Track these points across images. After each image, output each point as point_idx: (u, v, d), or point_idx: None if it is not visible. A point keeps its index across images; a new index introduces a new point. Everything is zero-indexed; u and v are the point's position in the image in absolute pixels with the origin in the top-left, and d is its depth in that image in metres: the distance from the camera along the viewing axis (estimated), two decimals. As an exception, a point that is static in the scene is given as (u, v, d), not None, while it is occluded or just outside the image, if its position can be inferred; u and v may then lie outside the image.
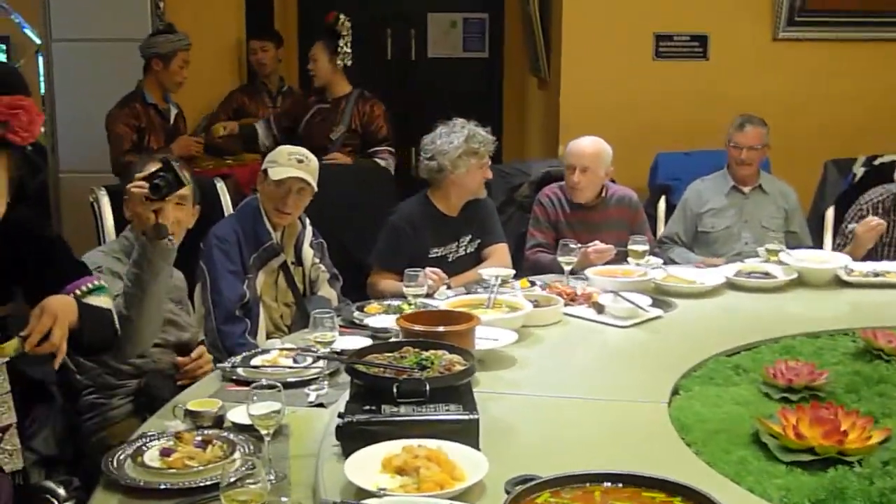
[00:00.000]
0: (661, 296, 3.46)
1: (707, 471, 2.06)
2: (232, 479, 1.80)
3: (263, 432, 2.12)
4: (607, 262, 3.84)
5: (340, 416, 2.09)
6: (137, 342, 2.70)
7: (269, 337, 3.43)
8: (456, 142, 3.90)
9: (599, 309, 3.25)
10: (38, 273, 2.47)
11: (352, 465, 1.93)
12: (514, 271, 3.70)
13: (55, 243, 2.66)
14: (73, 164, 5.44)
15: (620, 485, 1.69)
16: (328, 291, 3.64)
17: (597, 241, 3.89)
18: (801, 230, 4.56)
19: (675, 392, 2.56)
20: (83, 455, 2.79)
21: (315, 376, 2.66)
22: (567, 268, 3.63)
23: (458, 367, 2.23)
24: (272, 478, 2.06)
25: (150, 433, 2.30)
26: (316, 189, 3.47)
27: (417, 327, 2.59)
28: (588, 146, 4.15)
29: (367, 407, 2.09)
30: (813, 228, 4.71)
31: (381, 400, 2.10)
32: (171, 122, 4.96)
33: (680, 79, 5.45)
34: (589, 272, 3.64)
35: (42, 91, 5.64)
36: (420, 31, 7.23)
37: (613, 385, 2.66)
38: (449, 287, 3.65)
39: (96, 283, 2.54)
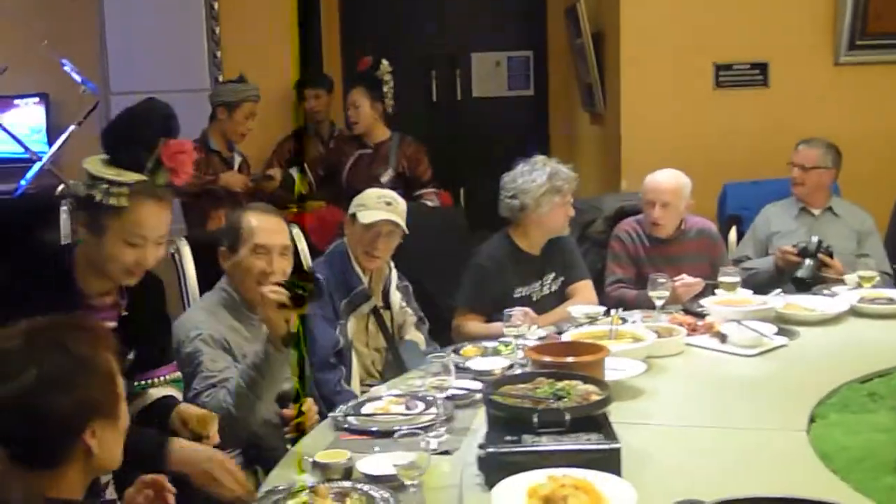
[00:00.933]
0: (783, 324, 3.40)
1: (858, 498, 2.02)
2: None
3: (407, 482, 2.06)
4: (695, 297, 3.78)
5: (481, 446, 2.10)
6: (240, 433, 2.67)
7: (362, 383, 3.37)
8: (539, 180, 3.85)
9: (722, 338, 3.21)
10: (142, 344, 2.44)
11: (498, 495, 1.93)
12: (603, 308, 3.63)
13: (166, 322, 2.66)
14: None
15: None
16: (416, 335, 3.59)
17: (684, 275, 3.82)
18: (876, 254, 4.46)
19: (811, 420, 2.50)
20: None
21: (430, 423, 2.59)
22: (658, 303, 3.56)
23: (595, 397, 2.23)
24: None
25: (279, 487, 2.23)
26: (406, 231, 3.42)
27: (548, 358, 2.57)
28: (667, 181, 4.10)
29: (508, 438, 2.10)
30: (891, 255, 4.62)
31: (522, 430, 2.11)
32: (236, 169, 4.93)
33: (742, 107, 5.39)
34: (707, 302, 3.59)
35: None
36: (464, 72, 7.22)
37: (746, 414, 2.63)
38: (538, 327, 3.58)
39: (176, 375, 2.56)
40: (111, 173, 2.30)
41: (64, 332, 1.73)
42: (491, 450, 2.07)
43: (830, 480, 2.12)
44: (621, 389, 2.73)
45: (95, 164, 2.33)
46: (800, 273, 4.04)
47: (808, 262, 4.05)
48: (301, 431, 2.78)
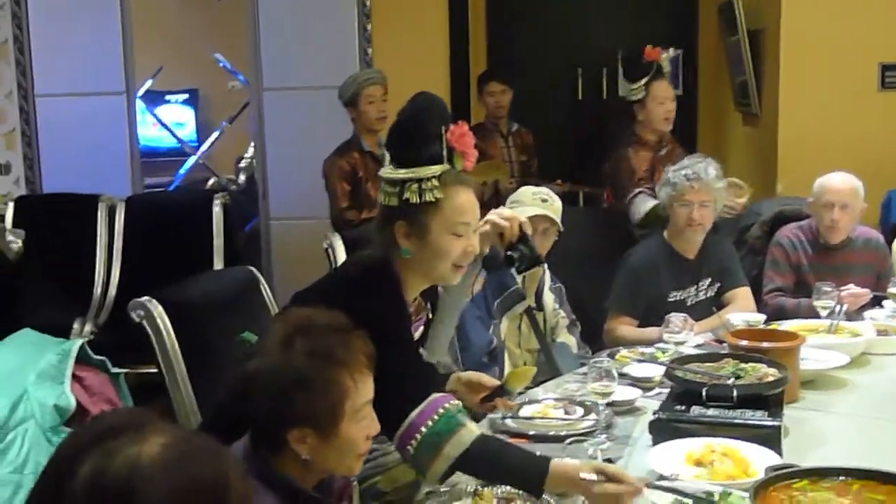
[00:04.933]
0: None
1: None
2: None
3: (575, 491, 1.99)
4: (860, 309, 3.60)
5: (655, 412, 2.37)
6: None
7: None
8: (670, 174, 3.76)
9: None
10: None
11: (655, 454, 2.20)
12: (763, 316, 3.50)
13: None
14: (283, 210, 5.51)
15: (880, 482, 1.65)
16: (568, 338, 3.53)
17: (851, 285, 3.64)
18: None
19: None
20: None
21: (591, 429, 2.52)
22: (823, 312, 3.41)
23: (770, 379, 2.41)
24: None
25: (441, 489, 2.20)
26: (561, 229, 3.36)
27: (743, 342, 2.73)
28: (845, 182, 3.91)
29: (679, 407, 2.36)
30: None
31: (693, 401, 2.36)
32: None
33: (909, 111, 5.12)
34: None
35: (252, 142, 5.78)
36: (611, 70, 7.09)
37: None
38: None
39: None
40: (412, 173, 2.28)
41: (302, 335, 1.75)
42: (661, 415, 2.34)
43: None
44: (824, 380, 2.88)
45: (388, 172, 2.31)
46: None
47: None
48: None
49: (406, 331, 2.31)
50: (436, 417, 2.13)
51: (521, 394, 2.51)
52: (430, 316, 2.48)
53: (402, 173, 2.25)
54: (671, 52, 4.96)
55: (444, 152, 2.26)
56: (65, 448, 1.18)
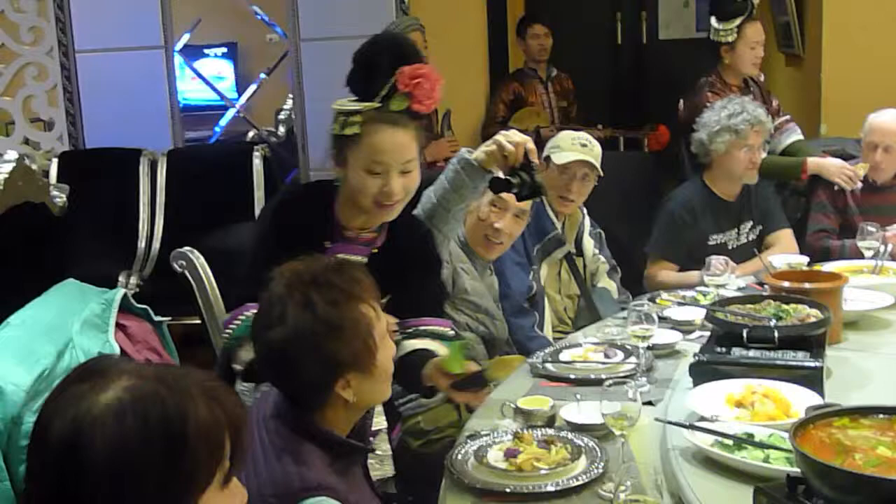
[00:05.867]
0: None
1: None
2: (625, 492, 1.70)
3: (617, 432, 2.00)
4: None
5: (695, 354, 2.35)
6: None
7: (554, 330, 3.33)
8: (719, 115, 3.69)
9: None
10: (397, 288, 2.32)
11: (695, 396, 2.18)
12: (806, 258, 3.46)
13: (430, 269, 2.54)
14: (322, 161, 5.51)
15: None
16: (608, 283, 3.52)
17: (896, 225, 3.59)
18: None
19: None
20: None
21: (632, 372, 2.52)
22: (868, 253, 3.35)
23: (812, 320, 2.37)
24: (629, 482, 1.93)
25: (483, 432, 2.22)
26: (601, 174, 3.33)
27: (785, 283, 2.69)
28: (893, 122, 3.83)
29: (719, 349, 2.33)
30: None
31: (733, 343, 2.33)
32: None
33: (958, 49, 4.98)
34: None
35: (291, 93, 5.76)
36: (651, 13, 6.98)
37: None
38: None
39: (442, 329, 2.44)
40: (339, 106, 2.33)
41: (312, 289, 1.74)
42: (701, 357, 2.31)
43: None
44: (868, 321, 2.84)
45: (342, 101, 2.35)
46: None
47: None
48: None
49: (261, 247, 2.36)
50: (237, 323, 2.29)
51: (496, 386, 2.50)
52: (376, 250, 2.45)
53: (341, 104, 2.32)
54: None
55: (385, 90, 2.28)
56: (48, 398, 1.21)
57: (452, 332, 2.46)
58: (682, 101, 4.47)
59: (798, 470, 1.50)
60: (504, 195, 2.66)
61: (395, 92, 2.30)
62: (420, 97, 2.31)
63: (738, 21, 4.29)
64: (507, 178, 2.44)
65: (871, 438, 1.52)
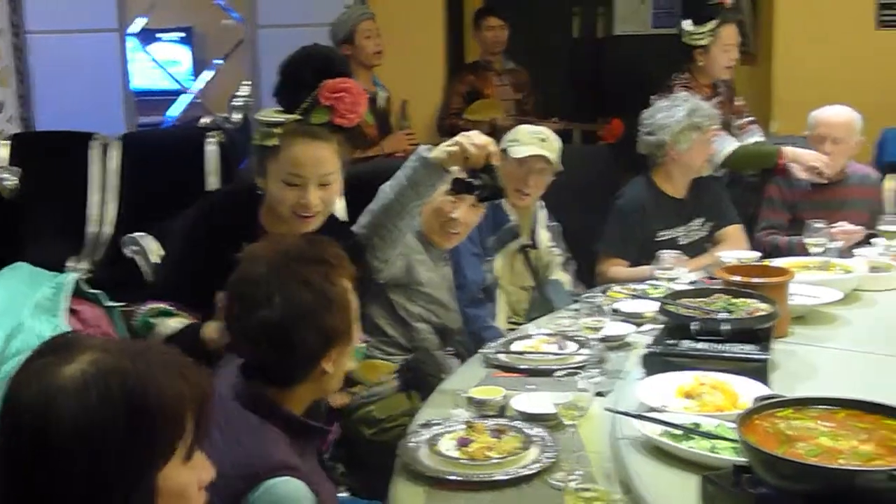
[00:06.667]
0: None
1: None
2: (574, 481, 1.72)
3: (567, 422, 2.02)
4: (853, 246, 3.62)
5: (647, 346, 2.42)
6: (382, 255, 2.68)
7: (507, 321, 3.35)
8: (677, 115, 3.72)
9: None
10: None
11: (645, 387, 2.22)
12: (757, 254, 3.51)
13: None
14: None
15: (864, 411, 1.66)
16: (562, 275, 3.55)
17: (843, 222, 3.66)
18: None
19: None
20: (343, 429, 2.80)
21: (583, 364, 2.55)
22: (815, 250, 3.42)
23: (760, 313, 2.42)
24: (580, 471, 1.96)
25: (435, 421, 2.24)
26: (559, 168, 3.36)
27: (735, 277, 2.74)
28: (839, 115, 3.92)
29: (670, 341, 2.39)
30: None
31: (684, 335, 2.38)
32: (382, 107, 4.90)
33: (906, 49, 5.09)
34: None
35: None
36: (608, 8, 7.03)
37: None
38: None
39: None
40: (263, 116, 2.35)
41: (303, 265, 1.77)
42: (652, 349, 2.38)
43: None
44: (815, 315, 2.90)
45: (267, 111, 2.37)
46: None
47: None
48: None
49: (179, 250, 2.44)
50: (139, 315, 2.34)
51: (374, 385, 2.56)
52: None
53: (266, 115, 2.36)
54: None
55: (307, 103, 2.30)
56: (16, 372, 1.23)
57: None
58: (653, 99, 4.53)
59: (743, 459, 1.54)
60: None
61: (316, 105, 2.33)
62: (342, 111, 2.33)
63: (712, 24, 4.27)
64: (469, 179, 2.46)
65: (814, 428, 1.56)
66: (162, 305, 2.37)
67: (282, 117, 2.34)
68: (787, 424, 1.57)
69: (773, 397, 1.74)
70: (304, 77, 2.35)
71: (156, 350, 1.26)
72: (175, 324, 2.34)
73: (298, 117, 2.34)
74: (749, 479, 1.51)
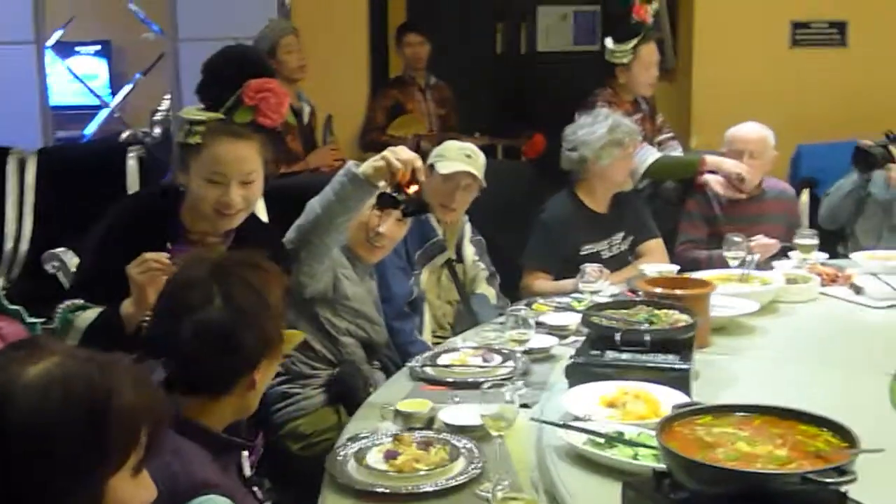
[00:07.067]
0: None
1: None
2: (501, 491, 1.74)
3: (494, 433, 2.04)
4: (769, 258, 3.72)
5: (571, 357, 2.42)
6: (309, 270, 2.67)
7: (433, 335, 3.37)
8: (599, 132, 3.78)
9: (857, 290, 3.27)
10: None
11: (569, 397, 2.26)
12: (676, 267, 3.59)
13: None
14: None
15: (779, 417, 1.69)
16: (487, 289, 3.57)
17: (761, 235, 3.76)
18: None
19: None
20: (270, 445, 2.78)
21: (509, 376, 2.57)
22: (734, 263, 3.51)
23: (681, 324, 2.45)
24: (506, 481, 1.97)
25: (363, 434, 2.24)
26: (484, 185, 3.39)
27: (657, 290, 2.79)
28: (753, 130, 4.05)
29: (594, 352, 2.40)
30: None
31: (607, 346, 2.40)
32: (306, 122, 4.88)
33: (818, 68, 5.28)
34: (856, 256, 3.61)
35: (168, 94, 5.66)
36: (530, 25, 7.12)
37: (847, 356, 2.76)
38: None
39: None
40: (186, 114, 2.35)
41: (244, 268, 1.78)
42: (576, 360, 2.39)
43: (885, 415, 2.15)
44: (735, 326, 2.98)
45: (191, 109, 2.37)
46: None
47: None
48: None
49: (96, 251, 2.44)
50: (57, 315, 2.33)
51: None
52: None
53: (190, 113, 2.39)
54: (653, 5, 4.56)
55: (231, 102, 2.33)
56: None
57: None
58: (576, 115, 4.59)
59: (664, 465, 1.57)
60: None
61: (240, 104, 2.34)
62: (265, 111, 2.35)
63: (633, 42, 4.35)
64: (395, 194, 2.48)
65: (732, 434, 1.60)
66: (78, 301, 2.35)
67: (205, 115, 2.34)
68: (706, 431, 1.61)
69: (691, 405, 1.78)
70: (226, 76, 2.35)
71: (123, 363, 1.27)
72: (91, 314, 2.32)
73: (221, 116, 2.34)
74: (669, 485, 1.54)
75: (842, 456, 1.46)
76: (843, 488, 1.46)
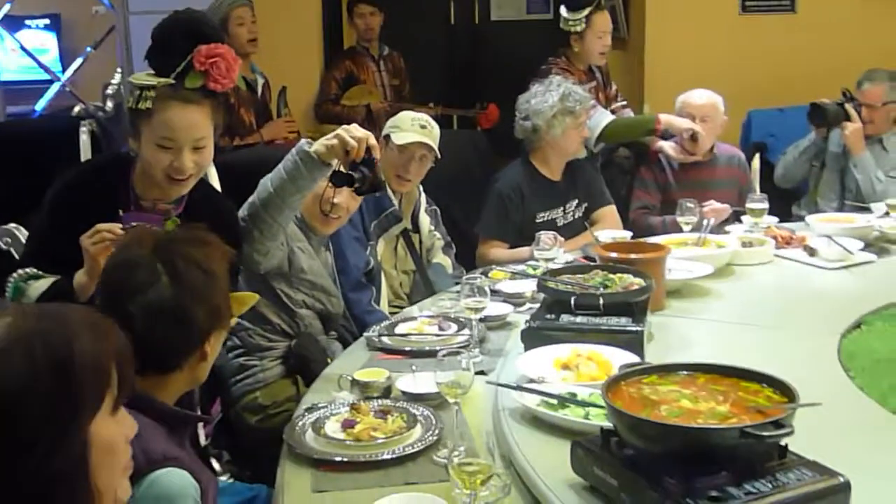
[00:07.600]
0: (885, 243, 3.49)
1: (856, 393, 2.14)
2: (458, 457, 1.77)
3: (450, 400, 2.08)
4: (722, 222, 3.78)
5: (527, 321, 2.44)
6: (262, 248, 2.68)
7: (390, 305, 3.39)
8: (551, 101, 3.81)
9: (811, 252, 3.34)
10: None
11: (524, 360, 2.30)
12: (630, 233, 3.64)
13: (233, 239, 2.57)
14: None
15: (722, 375, 1.73)
16: (443, 259, 3.60)
17: (712, 201, 3.82)
18: None
19: (857, 326, 2.62)
20: (228, 418, 2.81)
21: (465, 343, 2.61)
22: (686, 228, 3.56)
23: (635, 287, 2.49)
24: (463, 447, 2.01)
25: (320, 404, 2.26)
26: (439, 156, 3.41)
27: (613, 254, 2.83)
28: (704, 96, 4.12)
29: (549, 316, 2.44)
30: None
31: (562, 310, 2.44)
32: (259, 93, 4.86)
33: (768, 33, 5.34)
34: (812, 218, 3.67)
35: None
36: (483, -6, 7.11)
37: (799, 317, 2.80)
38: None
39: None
40: (136, 80, 2.34)
41: (186, 244, 1.80)
42: (531, 324, 2.42)
43: (838, 377, 2.24)
44: (690, 289, 3.02)
45: (140, 75, 2.36)
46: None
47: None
48: None
49: (45, 220, 2.44)
50: (9, 285, 2.34)
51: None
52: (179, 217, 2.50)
53: (139, 78, 2.38)
54: None
55: (181, 67, 2.33)
56: None
57: None
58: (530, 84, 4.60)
59: (611, 423, 1.62)
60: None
61: (191, 69, 2.33)
62: (216, 76, 2.35)
63: (586, 11, 4.36)
64: (349, 172, 2.49)
65: (676, 392, 1.65)
66: (30, 270, 2.35)
67: (155, 81, 2.33)
68: (652, 390, 1.66)
69: (637, 364, 1.82)
70: (176, 41, 2.34)
71: (74, 310, 1.27)
72: (44, 284, 2.32)
73: (172, 81, 2.33)
74: (616, 443, 1.58)
75: (780, 410, 1.51)
76: (782, 441, 1.51)
